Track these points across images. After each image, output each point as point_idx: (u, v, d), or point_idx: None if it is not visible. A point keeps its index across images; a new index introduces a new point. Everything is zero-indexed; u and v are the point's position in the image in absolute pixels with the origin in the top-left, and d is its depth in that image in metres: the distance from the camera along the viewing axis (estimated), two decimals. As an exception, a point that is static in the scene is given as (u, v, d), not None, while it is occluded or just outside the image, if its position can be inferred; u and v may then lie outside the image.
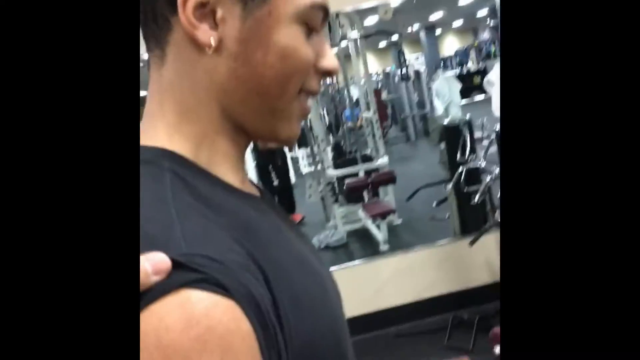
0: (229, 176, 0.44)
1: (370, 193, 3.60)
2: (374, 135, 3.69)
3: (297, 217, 3.89)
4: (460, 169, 2.73)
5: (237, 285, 0.33)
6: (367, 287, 2.92)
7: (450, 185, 2.91)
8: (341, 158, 3.98)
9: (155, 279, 0.31)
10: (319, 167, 3.76)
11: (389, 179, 3.55)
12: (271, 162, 3.66)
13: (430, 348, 2.67)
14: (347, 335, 0.46)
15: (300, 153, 4.34)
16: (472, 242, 2.65)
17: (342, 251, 3.52)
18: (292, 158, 4.20)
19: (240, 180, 0.46)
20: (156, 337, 0.30)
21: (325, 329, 0.41)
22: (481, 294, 2.79)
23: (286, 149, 3.73)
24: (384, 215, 3.37)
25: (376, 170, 3.65)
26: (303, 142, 4.04)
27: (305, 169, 4.31)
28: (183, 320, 0.31)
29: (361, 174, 3.63)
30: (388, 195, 3.70)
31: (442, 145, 3.25)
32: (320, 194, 3.82)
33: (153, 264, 0.31)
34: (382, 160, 3.64)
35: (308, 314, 0.39)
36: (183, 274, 0.32)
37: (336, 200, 3.77)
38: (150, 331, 0.30)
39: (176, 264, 0.32)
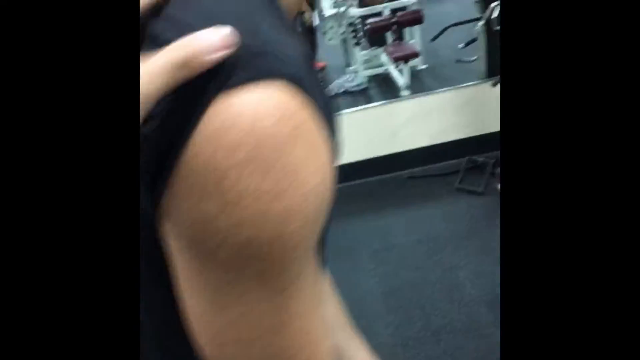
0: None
1: (394, 35, 3.36)
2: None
3: (320, 64, 3.73)
4: (492, 4, 2.47)
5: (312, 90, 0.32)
6: (384, 129, 2.85)
7: (480, 24, 2.66)
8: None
9: (219, 54, 0.29)
10: (341, 9, 3.48)
11: (415, 18, 3.27)
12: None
13: (442, 189, 2.67)
14: None
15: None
16: (495, 84, 2.49)
17: (362, 96, 3.40)
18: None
19: None
20: (251, 123, 0.29)
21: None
22: (499, 139, 2.71)
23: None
24: (407, 58, 3.17)
25: (403, 9, 3.37)
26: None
27: (328, 11, 4.03)
28: (279, 112, 0.30)
29: (386, 13, 3.36)
30: (414, 38, 3.46)
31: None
32: (342, 36, 3.59)
33: (221, 37, 0.29)
34: (411, -2, 3.35)
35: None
36: (269, 63, 0.30)
37: (357, 44, 3.55)
38: (246, 115, 0.29)
39: (260, 53, 0.30)
